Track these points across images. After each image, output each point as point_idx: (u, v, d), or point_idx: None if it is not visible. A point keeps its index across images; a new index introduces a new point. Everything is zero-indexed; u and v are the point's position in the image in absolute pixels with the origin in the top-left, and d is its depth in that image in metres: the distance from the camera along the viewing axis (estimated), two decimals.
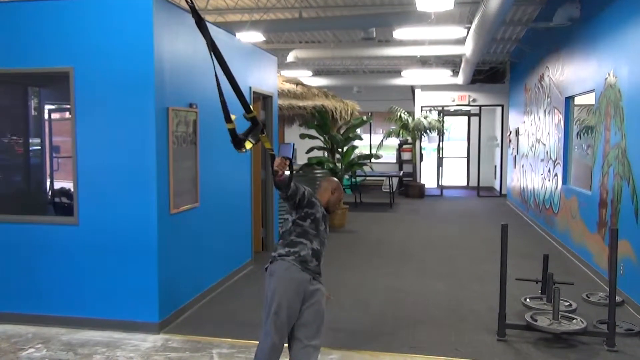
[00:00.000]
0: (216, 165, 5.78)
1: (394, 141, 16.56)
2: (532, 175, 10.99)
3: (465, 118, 16.50)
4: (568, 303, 5.17)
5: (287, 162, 3.20)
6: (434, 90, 15.58)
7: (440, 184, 16.01)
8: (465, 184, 16.74)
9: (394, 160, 17.64)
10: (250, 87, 6.61)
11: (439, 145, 15.96)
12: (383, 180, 15.40)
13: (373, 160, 12.26)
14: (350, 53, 12.29)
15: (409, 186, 15.15)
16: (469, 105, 15.63)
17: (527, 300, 5.37)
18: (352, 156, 10.77)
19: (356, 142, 11.29)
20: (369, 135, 18.23)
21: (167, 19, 4.80)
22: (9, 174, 5.94)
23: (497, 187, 15.72)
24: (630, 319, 5.06)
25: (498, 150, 15.72)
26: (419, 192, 14.87)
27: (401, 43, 11.47)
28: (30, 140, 5.83)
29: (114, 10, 4.63)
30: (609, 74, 6.40)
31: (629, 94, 5.77)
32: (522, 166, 12.26)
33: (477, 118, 15.83)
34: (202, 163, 5.42)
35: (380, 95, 16.84)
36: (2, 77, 5.09)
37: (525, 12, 10.02)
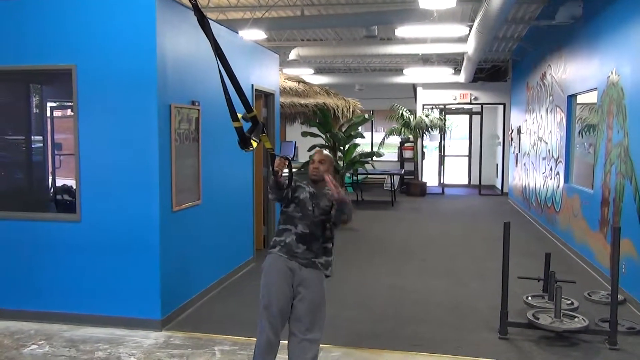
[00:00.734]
0: (218, 163, 5.78)
1: (396, 139, 16.56)
2: (534, 173, 10.98)
3: (467, 116, 16.49)
4: (570, 301, 5.17)
5: (287, 162, 3.21)
6: (435, 89, 15.56)
7: (441, 182, 16.00)
8: (466, 182, 16.74)
9: (396, 159, 17.64)
10: (252, 85, 6.61)
11: (440, 143, 15.95)
12: (384, 178, 15.42)
13: (375, 158, 12.27)
14: (352, 51, 12.28)
15: (410, 184, 15.14)
16: (470, 103, 15.62)
17: (529, 298, 5.37)
18: (354, 154, 10.78)
19: (358, 140, 11.30)
20: (370, 133, 18.23)
21: (169, 16, 4.80)
22: (11, 171, 5.95)
23: (499, 186, 15.72)
24: (632, 318, 5.06)
25: (500, 148, 15.71)
26: (421, 190, 14.87)
27: (403, 41, 11.46)
28: (33, 138, 5.83)
29: (117, 8, 4.63)
30: (612, 72, 6.39)
31: (632, 92, 5.76)
32: (524, 164, 12.25)
33: (479, 116, 15.82)
34: (205, 160, 5.42)
35: (382, 93, 16.83)
36: (4, 74, 5.10)
37: (527, 10, 10.00)
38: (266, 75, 7.27)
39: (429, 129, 14.99)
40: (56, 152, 5.76)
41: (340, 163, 10.60)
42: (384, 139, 15.49)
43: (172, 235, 4.84)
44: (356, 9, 9.99)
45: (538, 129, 10.75)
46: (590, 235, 6.97)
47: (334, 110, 10.55)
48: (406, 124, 14.83)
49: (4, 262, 4.94)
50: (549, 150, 9.66)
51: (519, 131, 13.08)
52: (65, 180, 5.46)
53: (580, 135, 8.21)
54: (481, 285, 6.16)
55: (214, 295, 5.68)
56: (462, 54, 12.02)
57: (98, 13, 4.66)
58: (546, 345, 4.45)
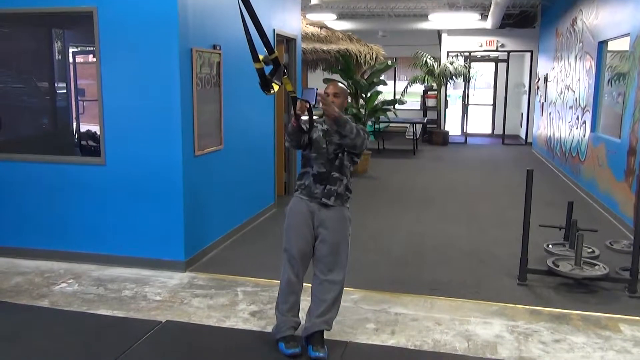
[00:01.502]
0: (240, 108, 5.77)
1: (419, 87, 16.31)
2: (560, 122, 10.77)
3: (493, 64, 16.11)
4: (591, 250, 5.15)
5: (308, 106, 3.18)
6: (461, 35, 15.17)
7: (464, 131, 15.82)
8: (490, 132, 16.52)
9: (418, 107, 17.42)
10: (274, 30, 6.51)
11: (464, 92, 15.66)
12: (407, 126, 15.25)
13: (397, 106, 12.10)
14: None
15: (432, 133, 15.01)
16: (497, 50, 15.22)
17: (550, 246, 5.36)
18: (376, 102, 10.65)
19: (380, 88, 11.13)
20: (393, 81, 17.95)
21: None
22: (37, 116, 6.03)
23: (523, 135, 15.49)
24: None
25: (525, 97, 15.40)
26: (443, 139, 14.74)
27: None
28: (56, 84, 5.87)
29: None
30: None
31: None
32: (550, 114, 12.02)
33: (504, 64, 15.44)
34: (226, 106, 5.42)
35: (405, 40, 16.45)
36: (26, 16, 5.08)
37: None
38: (288, 19, 7.14)
39: (453, 77, 14.71)
40: (79, 98, 5.81)
41: (362, 111, 10.51)
42: (406, 86, 15.27)
43: (194, 179, 4.90)
44: None
45: (566, 77, 10.48)
46: (615, 185, 6.88)
47: (357, 57, 10.37)
48: (430, 72, 14.57)
49: (34, 204, 5.07)
50: (576, 99, 9.44)
51: (545, 79, 12.77)
52: (89, 126, 5.52)
53: (610, 84, 7.99)
54: (502, 233, 6.16)
55: (237, 238, 5.78)
56: None
57: None
58: (565, 292, 4.47)
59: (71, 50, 5.93)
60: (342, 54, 10.07)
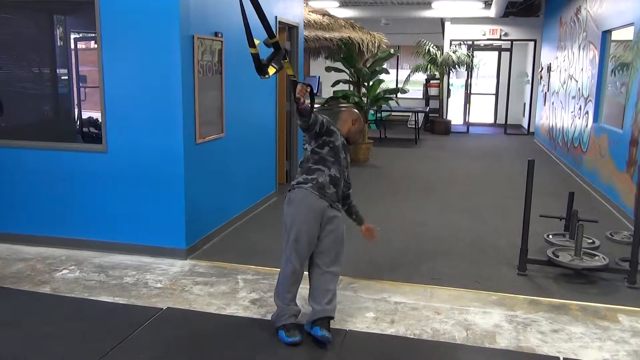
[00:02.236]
0: (241, 96, 5.76)
1: (421, 76, 16.24)
2: (562, 112, 10.74)
3: (496, 53, 16.03)
4: (591, 240, 5.16)
5: (308, 90, 3.20)
6: (464, 24, 15.08)
7: (467, 120, 15.77)
8: (492, 121, 16.47)
9: (421, 96, 17.36)
10: (276, 17, 6.48)
11: (467, 81, 15.59)
12: (409, 115, 15.23)
13: (399, 95, 12.07)
14: None
15: (434, 122, 14.97)
16: (500, 39, 15.14)
17: (550, 236, 5.36)
18: (378, 90, 10.61)
19: (382, 76, 11.09)
20: (395, 70, 17.88)
21: None
22: (38, 103, 6.02)
23: (525, 125, 15.44)
24: None
25: (528, 87, 15.33)
26: (445, 128, 14.71)
27: None
28: (58, 70, 5.86)
29: None
30: None
31: None
32: (552, 103, 11.98)
33: (508, 53, 15.36)
34: (228, 93, 5.41)
35: (408, 28, 16.37)
36: (28, 2, 5.07)
37: None
38: (290, 6, 7.11)
39: (456, 66, 14.65)
40: (81, 85, 5.80)
41: (364, 99, 10.48)
42: (409, 75, 15.20)
43: (196, 167, 4.90)
44: None
45: (569, 67, 10.43)
46: (617, 176, 6.88)
47: (359, 45, 10.33)
48: (432, 61, 14.50)
49: (35, 190, 5.08)
50: (579, 89, 9.40)
51: (549, 69, 12.71)
52: (90, 113, 5.52)
53: (613, 74, 7.95)
54: (502, 223, 6.17)
55: (238, 227, 5.80)
56: None
57: None
58: (565, 282, 4.48)
59: (73, 36, 5.91)
60: (344, 41, 10.02)
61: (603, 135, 7.70)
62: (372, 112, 12.57)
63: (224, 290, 4.20)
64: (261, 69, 3.26)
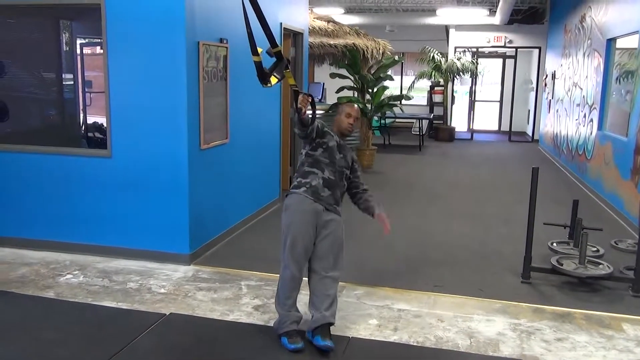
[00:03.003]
0: (246, 102, 5.78)
1: (426, 83, 16.26)
2: (567, 120, 10.73)
3: (500, 60, 16.03)
4: (595, 248, 5.14)
5: (310, 99, 3.22)
6: (469, 31, 15.10)
7: (471, 127, 15.76)
8: (496, 128, 16.46)
9: (425, 103, 17.36)
10: (280, 23, 6.50)
11: (471, 88, 15.60)
12: (413, 122, 15.21)
13: (403, 101, 12.07)
14: None
15: (439, 129, 14.96)
16: (504, 46, 15.15)
17: (554, 244, 5.35)
18: (382, 97, 10.62)
19: (387, 83, 11.11)
20: (400, 76, 17.90)
21: None
22: (44, 108, 6.04)
23: (530, 132, 15.43)
24: None
25: (532, 94, 15.32)
26: (449, 135, 14.70)
27: None
28: (63, 75, 5.89)
29: None
30: None
31: None
32: (557, 111, 11.96)
33: (512, 60, 15.37)
34: (232, 100, 5.42)
35: (413, 35, 16.39)
36: (34, 8, 5.10)
37: None
38: (295, 13, 7.13)
39: (460, 73, 14.66)
40: (86, 90, 5.82)
41: (368, 106, 10.49)
42: (413, 82, 15.21)
43: (200, 173, 4.91)
44: None
45: (573, 75, 10.42)
46: (621, 184, 6.86)
47: (364, 52, 10.34)
48: (437, 67, 14.51)
49: (40, 195, 5.10)
50: (583, 97, 9.40)
51: (553, 76, 12.71)
52: (95, 118, 5.53)
53: (617, 82, 7.94)
54: (506, 231, 6.15)
55: (241, 232, 5.80)
56: None
57: None
58: (569, 290, 4.47)
59: (78, 41, 5.94)
60: (349, 48, 10.05)
61: (607, 143, 7.68)
62: (376, 118, 12.58)
63: (227, 296, 4.20)
64: (263, 77, 3.28)
